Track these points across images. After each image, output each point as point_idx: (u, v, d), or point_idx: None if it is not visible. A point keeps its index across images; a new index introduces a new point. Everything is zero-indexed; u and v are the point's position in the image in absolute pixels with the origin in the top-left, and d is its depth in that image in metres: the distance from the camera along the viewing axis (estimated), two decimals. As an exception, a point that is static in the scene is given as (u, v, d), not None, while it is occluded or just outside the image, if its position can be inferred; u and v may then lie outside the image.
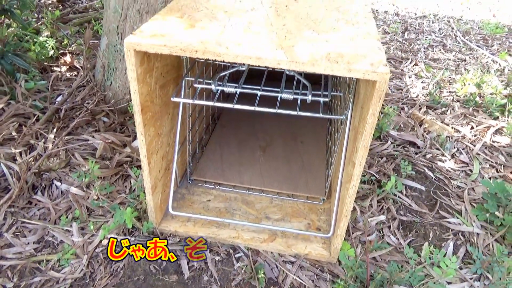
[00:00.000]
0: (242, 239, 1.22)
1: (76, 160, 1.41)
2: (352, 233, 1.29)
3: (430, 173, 1.58)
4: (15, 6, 1.69)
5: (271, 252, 1.20)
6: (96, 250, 1.17)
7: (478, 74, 2.38)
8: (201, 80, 1.16)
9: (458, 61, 2.65)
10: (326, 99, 0.99)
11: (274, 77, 1.45)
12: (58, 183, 1.34)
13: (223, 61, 1.13)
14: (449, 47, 2.87)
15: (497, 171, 1.64)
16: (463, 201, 1.46)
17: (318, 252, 1.19)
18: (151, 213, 1.19)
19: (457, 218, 1.39)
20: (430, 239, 1.31)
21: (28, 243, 1.18)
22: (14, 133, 1.42)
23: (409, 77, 2.38)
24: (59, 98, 1.70)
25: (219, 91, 1.04)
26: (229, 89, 1.01)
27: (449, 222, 1.37)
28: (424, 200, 1.46)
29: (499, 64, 2.58)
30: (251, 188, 1.39)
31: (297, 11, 1.14)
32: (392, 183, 1.39)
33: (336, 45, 0.93)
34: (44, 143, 1.45)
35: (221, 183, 1.40)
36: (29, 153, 1.40)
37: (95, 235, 1.20)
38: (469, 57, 2.71)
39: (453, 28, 3.28)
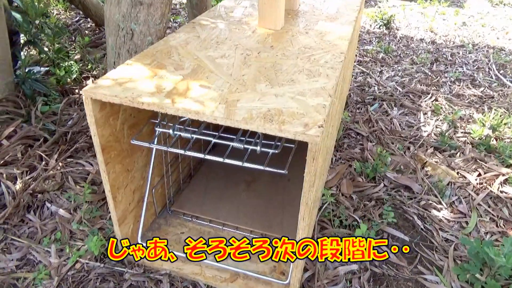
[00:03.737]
0: (204, 276, 1.24)
1: (68, 184, 1.52)
2: (317, 281, 1.27)
3: (419, 222, 1.51)
4: (41, 36, 1.88)
5: (230, 293, 1.22)
6: (68, 273, 1.25)
7: (500, 114, 2.24)
8: (164, 123, 1.22)
9: (485, 98, 2.50)
10: (276, 151, 1.00)
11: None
12: (49, 205, 1.46)
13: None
14: (479, 82, 2.72)
15: (497, 226, 1.53)
16: (448, 257, 1.38)
17: (276, 298, 1.19)
18: (119, 243, 1.26)
19: (436, 275, 1.31)
20: (400, 295, 1.25)
21: (12, 260, 1.29)
22: (19, 155, 1.56)
23: (424, 114, 2.29)
24: (70, 122, 1.84)
25: (177, 136, 1.09)
26: (185, 134, 1.06)
27: (426, 279, 1.30)
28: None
29: (531, 103, 2.40)
30: (226, 223, 1.42)
31: (266, 59, 1.17)
32: (362, 231, 1.34)
33: (282, 100, 0.94)
34: (46, 165, 1.58)
35: (198, 216, 1.44)
36: (29, 174, 1.54)
37: (70, 258, 1.29)
38: (499, 93, 2.55)
39: (489, 60, 3.10)
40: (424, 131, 2.11)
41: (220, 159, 1.03)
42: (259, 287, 1.22)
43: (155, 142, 1.14)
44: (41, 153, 1.58)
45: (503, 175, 1.76)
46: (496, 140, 2.01)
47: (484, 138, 2.00)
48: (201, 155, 1.06)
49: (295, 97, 0.96)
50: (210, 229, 1.41)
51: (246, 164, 1.01)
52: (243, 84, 1.02)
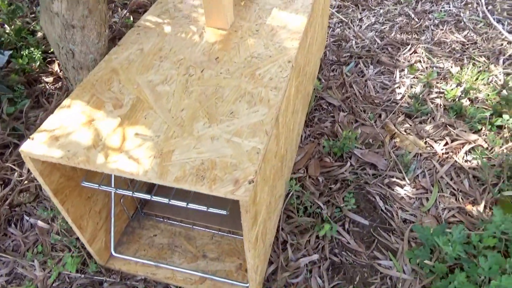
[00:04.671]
0: (176, 279, 1.36)
1: (43, 194, 1.59)
2: (281, 274, 1.39)
3: (380, 203, 1.58)
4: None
5: (200, 293, 1.34)
6: (53, 285, 1.38)
7: (479, 66, 2.17)
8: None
9: (467, 45, 2.39)
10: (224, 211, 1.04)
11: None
12: (27, 217, 1.54)
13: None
14: (463, 23, 2.58)
15: (456, 200, 1.59)
16: (403, 239, 1.47)
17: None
18: (95, 257, 1.36)
19: (390, 260, 1.42)
20: (355, 282, 1.37)
21: (1, 275, 1.41)
22: (-9, 168, 1.61)
23: (401, 71, 2.22)
24: (38, 121, 1.85)
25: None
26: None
27: (380, 265, 1.41)
28: (365, 236, 1.50)
29: (514, 48, 2.31)
30: (195, 223, 1.50)
31: (209, 81, 1.13)
32: (325, 230, 1.42)
33: (218, 146, 0.95)
34: (20, 176, 1.63)
35: (169, 217, 1.52)
36: (4, 188, 1.60)
37: (53, 270, 1.40)
38: (482, 37, 2.44)
39: (479, -8, 2.89)
40: (398, 94, 2.08)
41: (166, 201, 1.07)
42: (225, 286, 1.34)
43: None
44: (11, 165, 1.62)
45: (470, 143, 1.78)
46: (470, 101, 1.98)
47: (457, 99, 1.98)
48: (147, 197, 1.09)
49: (231, 139, 0.97)
50: (181, 229, 1.50)
51: (190, 206, 1.05)
52: (181, 124, 1.01)
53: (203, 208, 1.04)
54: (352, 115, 1.96)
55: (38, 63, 2.14)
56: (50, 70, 2.17)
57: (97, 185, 1.11)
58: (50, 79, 2.13)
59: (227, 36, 1.30)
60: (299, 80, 1.43)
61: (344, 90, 2.10)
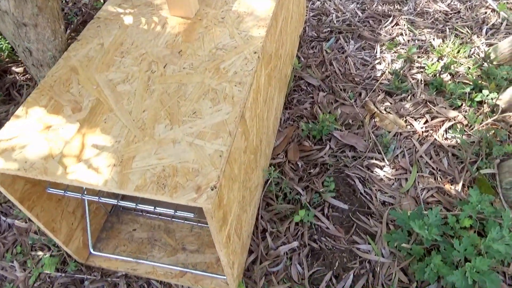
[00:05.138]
0: (156, 274, 1.37)
1: (18, 193, 1.56)
2: (261, 263, 1.40)
3: (360, 187, 1.58)
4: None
5: (182, 286, 1.36)
6: (35, 285, 1.38)
7: (461, 38, 2.11)
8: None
9: (450, 14, 2.33)
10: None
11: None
12: (4, 218, 1.52)
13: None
14: (447, -10, 2.49)
15: (435, 179, 1.59)
16: (382, 222, 1.48)
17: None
18: (74, 256, 1.36)
19: (369, 244, 1.43)
20: (335, 268, 1.39)
21: (-18, 277, 1.41)
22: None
23: (382, 45, 2.17)
24: (10, 116, 1.79)
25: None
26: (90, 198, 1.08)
27: (359, 249, 1.42)
28: (344, 221, 1.50)
29: (498, 17, 2.24)
30: (174, 215, 1.49)
31: (171, 78, 1.09)
32: (300, 216, 1.42)
33: (179, 150, 0.92)
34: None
35: (148, 210, 1.51)
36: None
37: (33, 270, 1.40)
38: (466, 6, 2.36)
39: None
40: (379, 70, 2.03)
41: (133, 205, 1.05)
42: (205, 279, 1.35)
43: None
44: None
45: (450, 120, 1.76)
46: (451, 76, 1.94)
47: (437, 75, 1.94)
48: (114, 201, 1.07)
49: (194, 142, 0.94)
50: (160, 222, 1.50)
51: (158, 209, 1.03)
52: (142, 128, 0.98)
53: (171, 211, 1.03)
54: (332, 95, 1.92)
55: (6, 53, 2.06)
56: (20, 59, 2.08)
57: (63, 192, 1.08)
58: (20, 69, 2.05)
59: (192, 26, 1.24)
60: (272, 66, 1.39)
61: (324, 69, 2.05)
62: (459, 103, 1.80)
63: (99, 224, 1.47)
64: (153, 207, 1.04)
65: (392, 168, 1.64)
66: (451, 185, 1.57)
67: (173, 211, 1.03)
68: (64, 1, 2.41)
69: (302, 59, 2.10)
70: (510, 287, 1.33)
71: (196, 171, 0.88)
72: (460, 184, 1.55)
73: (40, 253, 1.45)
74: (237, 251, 1.21)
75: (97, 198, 1.08)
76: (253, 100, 1.14)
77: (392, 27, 2.28)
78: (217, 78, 1.08)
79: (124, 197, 1.19)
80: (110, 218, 1.52)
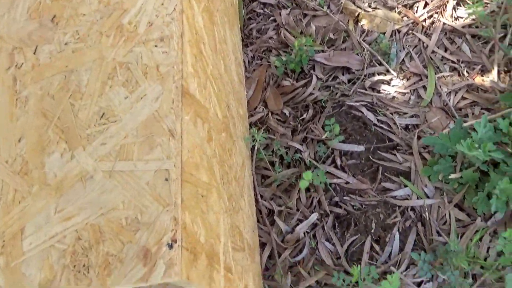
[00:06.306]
0: None
1: None
2: (280, 255, 1.08)
3: (371, 116, 1.21)
4: None
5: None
6: None
7: None
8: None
9: None
10: None
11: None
12: None
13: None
14: None
15: (459, 75, 1.23)
16: (413, 153, 1.14)
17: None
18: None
19: (405, 186, 1.10)
20: (372, 231, 1.07)
21: None
22: None
23: None
24: None
25: None
26: None
27: (395, 197, 1.09)
28: (364, 166, 1.16)
29: None
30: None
31: (51, 67, 0.65)
32: (308, 178, 1.04)
33: (94, 196, 0.53)
34: None
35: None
36: None
37: None
38: None
39: None
40: (345, -43, 1.55)
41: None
42: None
43: None
44: None
45: (455, -8, 1.35)
46: None
47: None
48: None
49: (115, 169, 0.54)
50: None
51: None
52: (23, 171, 0.57)
53: None
54: (298, 9, 1.47)
55: None
56: None
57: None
58: None
59: (61, -29, 0.77)
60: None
61: (277, -22, 1.57)
62: (460, -34, 1.37)
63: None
64: None
65: (403, 79, 1.26)
66: (483, 75, 1.20)
67: None
68: None
69: (246, -26, 1.61)
70: None
71: (134, 223, 0.50)
72: (495, 71, 1.19)
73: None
74: (245, 268, 0.88)
75: None
76: (194, 57, 0.72)
77: None
78: (124, 42, 0.65)
79: None
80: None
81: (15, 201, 0.55)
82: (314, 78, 1.30)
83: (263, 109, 1.30)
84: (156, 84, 0.60)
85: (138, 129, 0.56)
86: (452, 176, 1.03)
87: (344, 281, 0.97)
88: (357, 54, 1.32)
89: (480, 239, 1.01)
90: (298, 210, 1.13)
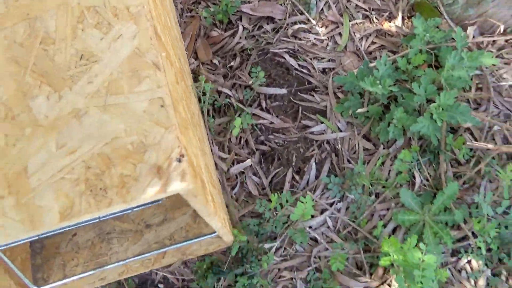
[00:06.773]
0: (132, 269, 1.10)
1: None
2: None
3: (292, 62, 1.32)
4: None
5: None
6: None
7: None
8: None
9: None
10: None
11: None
12: None
13: None
14: None
15: (371, 22, 1.35)
16: (328, 94, 1.26)
17: (216, 245, 1.10)
18: None
19: (322, 123, 1.23)
20: (293, 163, 1.20)
21: None
22: None
23: None
24: None
25: None
26: None
27: (312, 133, 1.23)
28: (287, 108, 1.27)
29: None
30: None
31: (18, 9, 0.67)
32: (237, 124, 1.15)
33: (94, 129, 0.58)
34: None
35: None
36: None
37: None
38: None
39: None
40: None
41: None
42: (193, 246, 1.11)
43: None
44: None
45: None
46: None
47: None
48: (34, 237, 0.75)
49: (108, 103, 0.59)
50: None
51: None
52: (10, 117, 0.61)
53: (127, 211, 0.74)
54: (226, -39, 1.51)
55: None
56: None
57: None
58: None
59: None
60: None
61: None
62: None
63: (25, 252, 1.13)
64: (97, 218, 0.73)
65: (322, 27, 1.37)
66: (390, 21, 1.34)
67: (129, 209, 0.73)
68: None
69: None
70: (476, 111, 1.22)
71: (141, 146, 0.56)
72: (399, 17, 1.32)
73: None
74: (219, 202, 0.98)
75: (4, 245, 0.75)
76: (154, 2, 0.77)
77: None
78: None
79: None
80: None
81: (8, 145, 0.59)
82: (241, 28, 1.38)
83: (193, 61, 1.36)
84: (130, 23, 0.64)
85: (123, 66, 0.61)
86: (359, 110, 1.17)
87: (265, 207, 1.10)
88: (281, 4, 1.40)
89: (383, 164, 1.17)
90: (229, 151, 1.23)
